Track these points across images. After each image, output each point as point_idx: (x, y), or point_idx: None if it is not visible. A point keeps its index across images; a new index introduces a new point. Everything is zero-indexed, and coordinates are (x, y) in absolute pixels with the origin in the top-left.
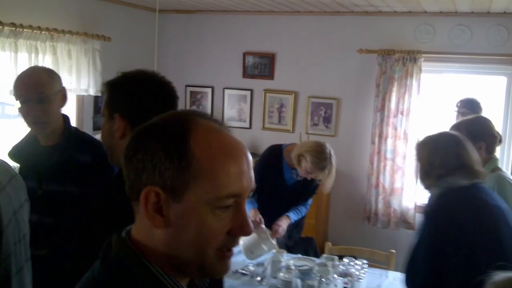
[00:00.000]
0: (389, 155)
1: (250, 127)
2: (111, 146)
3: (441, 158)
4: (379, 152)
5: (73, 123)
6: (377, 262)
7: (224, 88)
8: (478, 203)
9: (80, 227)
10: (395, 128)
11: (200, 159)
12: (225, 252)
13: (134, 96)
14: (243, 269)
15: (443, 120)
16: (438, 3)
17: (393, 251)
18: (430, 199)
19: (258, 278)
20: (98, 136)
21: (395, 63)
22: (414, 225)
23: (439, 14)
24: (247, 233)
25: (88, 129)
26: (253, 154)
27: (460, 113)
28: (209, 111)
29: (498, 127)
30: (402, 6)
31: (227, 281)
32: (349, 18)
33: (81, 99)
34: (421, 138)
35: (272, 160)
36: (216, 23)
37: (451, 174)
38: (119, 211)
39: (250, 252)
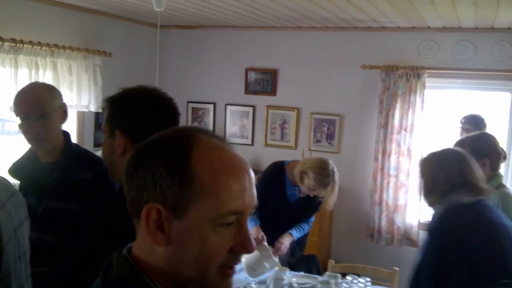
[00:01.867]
0: (392, 172)
1: (252, 144)
2: (112, 162)
3: (445, 175)
4: (382, 169)
5: (74, 139)
6: (381, 280)
7: (226, 105)
8: (482, 221)
9: (80, 245)
10: (399, 145)
11: (202, 175)
12: (227, 269)
13: (135, 112)
14: (245, 287)
15: (447, 136)
16: (441, 19)
17: (397, 269)
18: (434, 217)
19: None
20: (99, 153)
21: (399, 79)
22: (418, 243)
23: (443, 29)
24: (249, 250)
25: (89, 145)
26: (255, 171)
27: (464, 129)
28: (211, 127)
29: (502, 143)
30: (405, 21)
31: None
32: (352, 33)
33: (81, 116)
34: (424, 155)
35: (275, 177)
36: (218, 39)
37: (455, 191)
38: (120, 228)
39: (252, 269)
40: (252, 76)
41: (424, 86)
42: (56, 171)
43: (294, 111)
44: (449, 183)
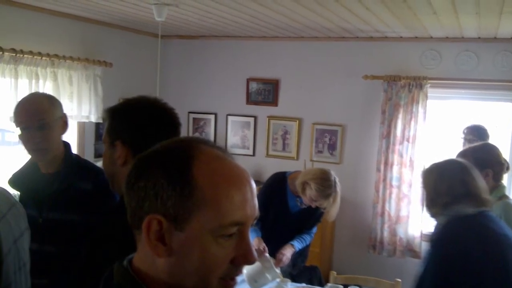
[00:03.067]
0: (394, 183)
1: (253, 155)
2: (113, 173)
3: (447, 186)
4: (384, 180)
5: (74, 150)
6: None
7: (227, 115)
8: (485, 232)
9: (81, 256)
10: (401, 155)
11: (203, 187)
12: (229, 281)
13: (136, 123)
14: None
15: (449, 147)
16: (444, 29)
17: (399, 280)
18: (437, 227)
19: None
20: (99, 164)
21: (401, 89)
22: (420, 254)
23: (445, 39)
24: (250, 262)
25: (89, 156)
26: (256, 182)
27: (466, 140)
28: (212, 138)
29: (505, 154)
30: (407, 31)
31: None
32: (354, 43)
33: (82, 126)
34: (427, 166)
35: (276, 188)
36: (219, 48)
37: (458, 202)
38: (120, 239)
39: (254, 281)
40: (254, 86)
41: (426, 97)
42: (56, 182)
43: (296, 121)
44: (452, 194)
